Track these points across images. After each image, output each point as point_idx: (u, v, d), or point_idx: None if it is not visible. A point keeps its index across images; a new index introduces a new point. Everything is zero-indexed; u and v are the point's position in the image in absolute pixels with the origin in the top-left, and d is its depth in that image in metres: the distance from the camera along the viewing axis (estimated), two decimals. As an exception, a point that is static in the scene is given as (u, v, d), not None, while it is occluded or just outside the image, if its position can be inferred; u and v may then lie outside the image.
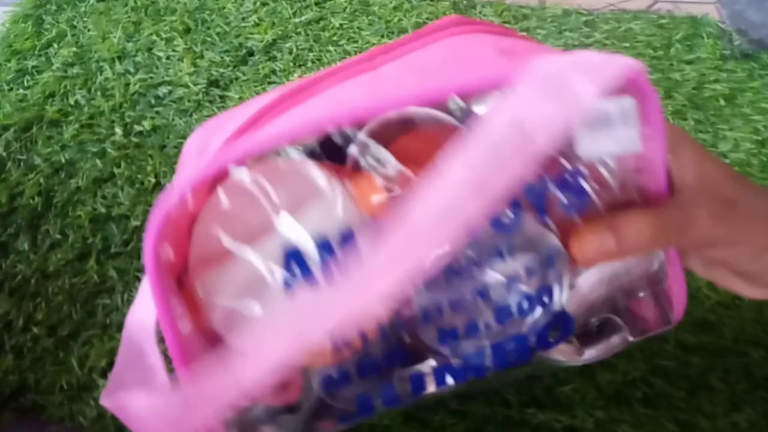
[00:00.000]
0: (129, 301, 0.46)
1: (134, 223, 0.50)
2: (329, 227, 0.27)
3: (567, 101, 0.23)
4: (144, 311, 0.28)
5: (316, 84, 0.30)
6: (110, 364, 0.43)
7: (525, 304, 0.31)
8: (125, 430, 0.42)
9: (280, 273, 0.27)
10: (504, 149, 0.23)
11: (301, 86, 0.30)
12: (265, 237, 0.27)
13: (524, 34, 0.34)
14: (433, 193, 0.23)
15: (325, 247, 0.27)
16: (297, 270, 0.27)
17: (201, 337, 0.28)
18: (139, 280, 0.47)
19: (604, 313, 0.34)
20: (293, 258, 0.27)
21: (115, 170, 0.53)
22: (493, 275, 0.29)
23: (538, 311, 0.31)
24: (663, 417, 0.39)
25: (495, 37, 0.31)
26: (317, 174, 0.27)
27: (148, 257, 0.26)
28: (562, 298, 0.31)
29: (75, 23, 0.65)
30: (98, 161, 0.53)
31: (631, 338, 0.34)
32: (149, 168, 0.53)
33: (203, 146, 0.30)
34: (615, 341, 0.34)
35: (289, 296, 0.27)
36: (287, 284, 0.27)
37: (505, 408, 0.39)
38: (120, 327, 0.45)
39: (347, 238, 0.27)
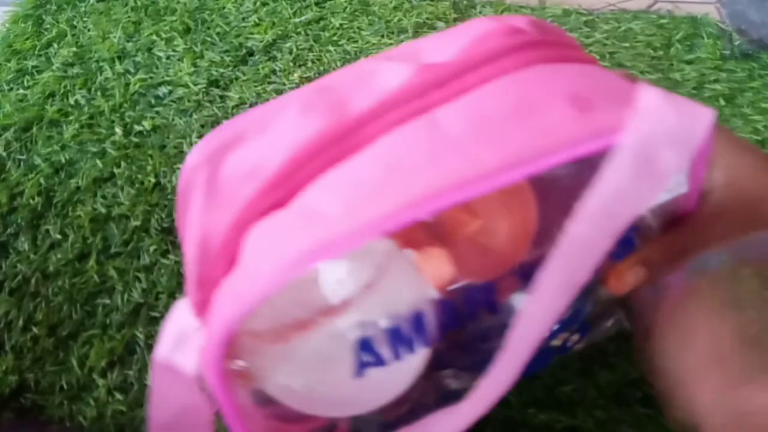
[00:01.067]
0: (129, 301, 0.46)
1: (134, 223, 0.50)
2: (399, 307, 0.26)
3: (654, 179, 0.23)
4: (174, 352, 0.26)
5: (360, 128, 0.26)
6: (110, 364, 0.43)
7: (556, 327, 0.31)
8: (125, 430, 0.42)
9: (349, 355, 0.26)
10: (594, 239, 0.23)
11: (341, 127, 0.26)
12: (331, 318, 0.26)
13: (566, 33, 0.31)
14: (532, 301, 0.24)
15: (395, 330, 0.26)
16: (367, 354, 0.26)
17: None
18: (139, 280, 0.47)
19: (613, 307, 0.34)
20: (363, 341, 0.26)
21: (115, 170, 0.53)
22: None
23: (569, 330, 0.32)
24: (663, 417, 0.39)
25: (556, 69, 0.27)
26: (384, 249, 0.26)
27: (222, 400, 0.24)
28: (587, 311, 0.32)
29: (75, 23, 0.65)
30: (98, 161, 0.53)
31: (626, 324, 0.34)
32: (149, 168, 0.53)
33: (211, 174, 0.27)
34: (609, 323, 0.35)
35: (359, 379, 0.27)
36: (357, 367, 0.27)
37: (505, 408, 0.39)
38: (120, 327, 0.45)
39: (418, 319, 0.27)
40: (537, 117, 0.24)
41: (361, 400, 0.29)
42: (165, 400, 0.27)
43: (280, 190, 0.25)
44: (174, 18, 0.64)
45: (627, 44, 0.59)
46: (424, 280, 0.27)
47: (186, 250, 0.27)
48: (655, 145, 0.23)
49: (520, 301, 0.29)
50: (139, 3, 0.66)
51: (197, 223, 0.26)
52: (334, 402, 0.28)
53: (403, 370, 0.28)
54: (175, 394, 0.26)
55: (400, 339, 0.27)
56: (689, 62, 0.57)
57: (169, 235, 0.49)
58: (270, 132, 0.27)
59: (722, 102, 0.54)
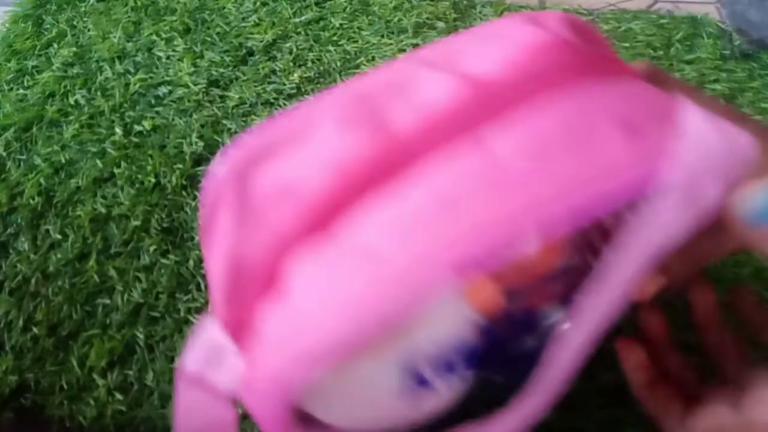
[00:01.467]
0: (129, 301, 0.46)
1: (134, 223, 0.50)
2: (444, 332, 0.26)
3: (698, 210, 0.23)
4: (206, 368, 0.26)
5: (407, 151, 0.24)
6: (110, 364, 0.43)
7: None
8: (125, 430, 0.42)
9: (395, 379, 0.26)
10: (637, 270, 0.23)
11: (386, 150, 0.25)
12: (377, 344, 0.25)
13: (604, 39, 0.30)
14: (574, 330, 0.24)
15: (440, 355, 0.26)
16: (412, 379, 0.26)
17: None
18: (139, 280, 0.47)
19: None
20: (408, 366, 0.26)
21: (115, 170, 0.53)
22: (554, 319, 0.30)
23: None
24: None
25: (603, 90, 0.26)
26: None
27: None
28: None
29: (75, 23, 0.65)
30: (98, 161, 0.53)
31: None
32: (149, 168, 0.53)
33: (242, 189, 0.26)
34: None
35: (406, 404, 0.27)
36: (402, 390, 0.27)
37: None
38: (120, 327, 0.45)
39: (462, 344, 0.27)
40: (592, 148, 0.24)
41: (402, 420, 0.29)
42: (193, 411, 0.27)
43: (323, 215, 0.24)
44: (174, 18, 0.64)
45: (627, 44, 0.59)
46: (468, 305, 0.27)
47: (212, 266, 0.26)
48: (701, 178, 0.23)
49: (556, 319, 0.30)
50: (139, 3, 0.66)
51: (227, 240, 0.25)
52: (376, 422, 0.28)
53: (447, 393, 0.28)
54: (204, 407, 0.26)
55: (444, 363, 0.27)
56: (689, 62, 0.57)
57: (169, 235, 0.49)
58: (305, 146, 0.26)
59: (722, 102, 0.54)
